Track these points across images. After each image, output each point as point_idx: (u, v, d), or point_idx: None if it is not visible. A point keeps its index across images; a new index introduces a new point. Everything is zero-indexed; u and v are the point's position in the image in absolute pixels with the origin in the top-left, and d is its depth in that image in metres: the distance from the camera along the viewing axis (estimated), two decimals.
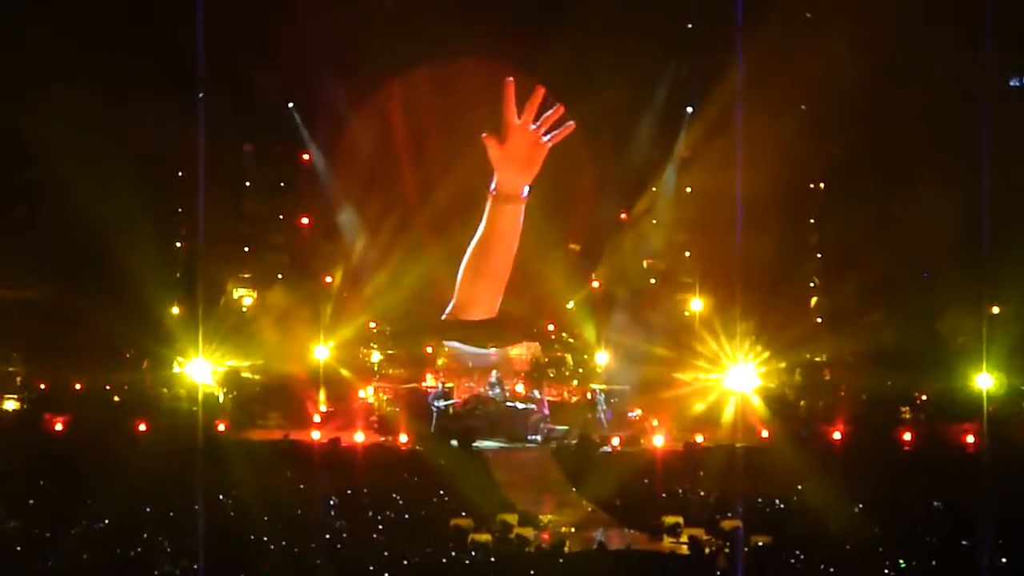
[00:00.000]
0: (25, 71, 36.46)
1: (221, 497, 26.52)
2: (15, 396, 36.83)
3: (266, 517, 24.69)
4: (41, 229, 37.14)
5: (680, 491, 29.42)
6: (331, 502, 27.11)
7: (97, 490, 25.73)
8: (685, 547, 24.51)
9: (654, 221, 43.68)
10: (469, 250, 37.39)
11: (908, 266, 40.08)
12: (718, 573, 22.41)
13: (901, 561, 21.99)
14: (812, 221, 43.83)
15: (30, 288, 38.23)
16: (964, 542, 23.18)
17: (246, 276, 44.17)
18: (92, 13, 37.06)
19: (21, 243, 36.84)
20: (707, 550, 23.80)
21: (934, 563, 21.99)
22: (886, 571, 21.57)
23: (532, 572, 21.17)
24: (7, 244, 36.62)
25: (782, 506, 27.42)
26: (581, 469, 32.02)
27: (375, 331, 41.39)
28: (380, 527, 25.19)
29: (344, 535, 24.13)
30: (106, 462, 28.46)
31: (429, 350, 39.89)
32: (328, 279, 42.50)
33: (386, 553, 22.54)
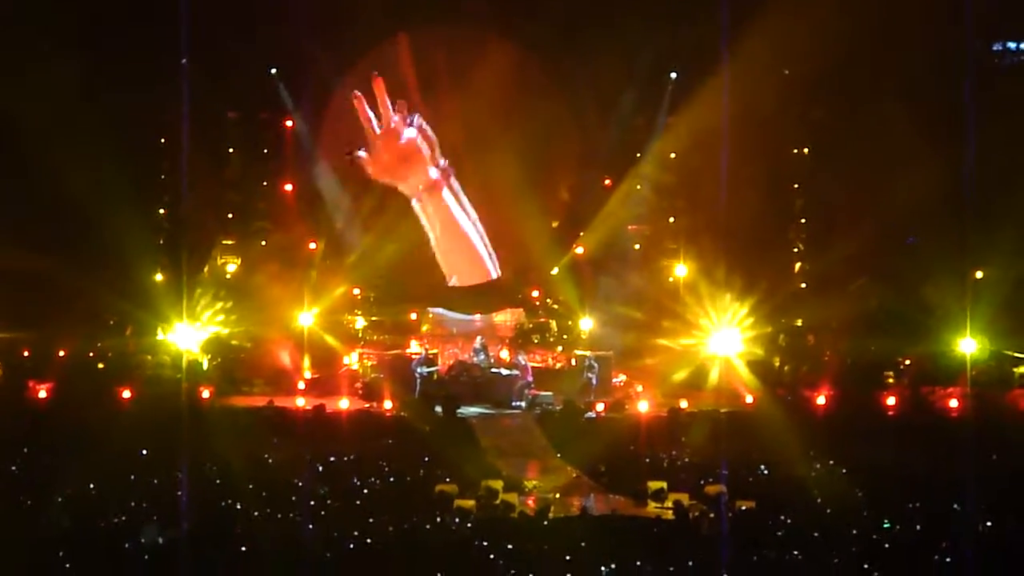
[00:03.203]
0: (6, 38, 36.24)
1: (206, 464, 26.51)
2: None
3: (251, 484, 24.69)
4: (24, 196, 36.89)
5: (664, 456, 29.46)
6: (316, 469, 27.11)
7: (81, 457, 25.68)
8: (670, 512, 24.56)
9: (638, 187, 43.63)
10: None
11: (892, 231, 40.01)
12: (703, 538, 22.43)
13: (885, 522, 22.05)
14: (796, 187, 43.79)
15: (13, 255, 38.05)
16: (947, 506, 23.24)
17: (230, 242, 44.08)
18: None
19: (3, 210, 36.59)
20: (692, 515, 23.84)
21: (917, 527, 22.03)
22: (870, 535, 21.61)
23: (517, 537, 21.15)
24: None
25: (766, 471, 27.48)
26: (566, 435, 32.02)
27: (359, 297, 41.40)
28: (365, 493, 25.19)
29: (328, 502, 24.12)
30: (90, 429, 28.43)
31: (413, 316, 39.93)
32: (312, 245, 42.39)
33: (371, 519, 22.55)
